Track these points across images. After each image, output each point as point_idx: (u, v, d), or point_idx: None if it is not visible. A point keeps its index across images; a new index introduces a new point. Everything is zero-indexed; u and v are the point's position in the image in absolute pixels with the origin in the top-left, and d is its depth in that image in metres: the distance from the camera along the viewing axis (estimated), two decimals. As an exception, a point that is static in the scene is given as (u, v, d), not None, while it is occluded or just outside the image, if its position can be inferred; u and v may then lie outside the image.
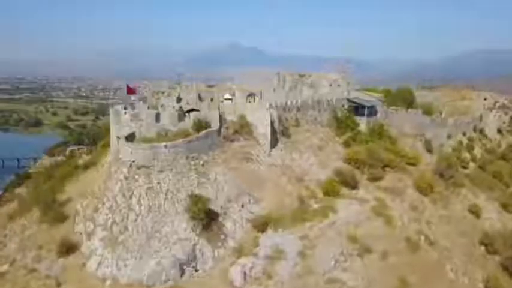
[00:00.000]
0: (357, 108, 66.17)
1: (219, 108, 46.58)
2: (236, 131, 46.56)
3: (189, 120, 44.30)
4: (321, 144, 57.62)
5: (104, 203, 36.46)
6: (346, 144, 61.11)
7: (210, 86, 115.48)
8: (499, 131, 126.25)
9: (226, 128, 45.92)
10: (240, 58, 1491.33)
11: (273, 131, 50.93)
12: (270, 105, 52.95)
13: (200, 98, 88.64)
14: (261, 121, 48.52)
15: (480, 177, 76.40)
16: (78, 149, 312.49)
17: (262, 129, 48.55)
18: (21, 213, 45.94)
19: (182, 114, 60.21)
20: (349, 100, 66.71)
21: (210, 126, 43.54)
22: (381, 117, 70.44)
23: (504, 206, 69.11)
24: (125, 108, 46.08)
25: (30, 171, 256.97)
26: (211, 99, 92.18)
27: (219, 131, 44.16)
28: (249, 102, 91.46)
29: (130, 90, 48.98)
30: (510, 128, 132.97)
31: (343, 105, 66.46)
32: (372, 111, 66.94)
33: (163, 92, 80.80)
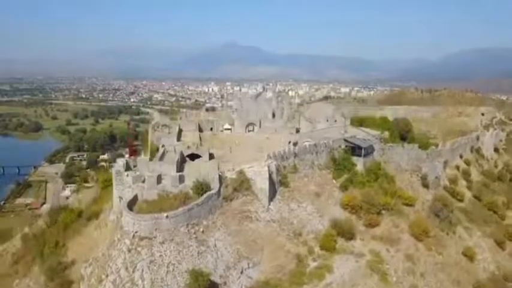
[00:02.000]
0: (354, 148, 67.31)
1: (218, 167, 47.59)
2: (235, 189, 47.75)
3: (189, 181, 45.35)
4: (319, 190, 58.88)
5: (107, 275, 37.76)
6: (344, 187, 62.40)
7: (210, 110, 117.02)
8: (496, 149, 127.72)
9: (226, 186, 47.08)
10: (238, 57, 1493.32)
11: (271, 182, 52.13)
12: (269, 156, 54.07)
13: (200, 129, 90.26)
14: (259, 176, 49.67)
15: (475, 211, 77.86)
16: (78, 155, 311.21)
17: (261, 184, 49.74)
18: (25, 272, 47.20)
19: (184, 157, 61.77)
20: (346, 140, 67.86)
21: (209, 188, 44.69)
22: (378, 154, 71.65)
23: (499, 243, 70.78)
24: (126, 170, 47.22)
25: (30, 179, 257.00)
26: (211, 129, 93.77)
27: (218, 192, 45.35)
28: (248, 131, 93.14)
29: (133, 153, 49.93)
30: (507, 146, 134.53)
31: (340, 146, 67.59)
32: (369, 151, 68.13)
33: (164, 125, 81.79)
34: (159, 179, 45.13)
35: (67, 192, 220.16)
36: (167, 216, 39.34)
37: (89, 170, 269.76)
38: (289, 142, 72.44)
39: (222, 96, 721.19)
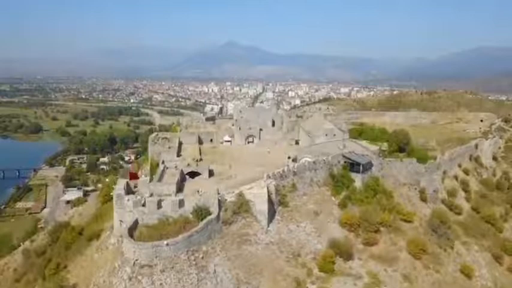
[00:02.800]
0: (353, 164, 67.80)
1: (218, 191, 48.03)
2: (235, 212, 48.26)
3: (189, 205, 45.83)
4: (318, 208, 59.40)
5: (108, 304, 38.32)
6: (342, 204, 62.92)
7: (209, 119, 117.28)
8: (495, 158, 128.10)
9: (225, 210, 47.57)
10: (238, 56, 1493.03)
11: (271, 203, 52.63)
12: (268, 176, 54.54)
13: (200, 141, 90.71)
14: (259, 198, 50.17)
15: (473, 224, 78.45)
16: (78, 158, 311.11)
17: (260, 206, 50.24)
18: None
19: (184, 175, 62.28)
20: (344, 156, 68.35)
21: (209, 212, 45.19)
22: (376, 169, 72.13)
23: (496, 258, 71.39)
24: (127, 192, 47.71)
25: (31, 183, 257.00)
26: (211, 140, 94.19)
27: (218, 216, 45.86)
28: (248, 143, 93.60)
29: (133, 176, 50.42)
30: (505, 153, 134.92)
31: (339, 161, 68.09)
32: (367, 167, 68.63)
33: (164, 138, 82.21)
34: (159, 203, 45.61)
35: (67, 196, 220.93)
36: (167, 244, 39.87)
37: (89, 173, 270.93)
38: (289, 157, 72.87)
39: (222, 97, 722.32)
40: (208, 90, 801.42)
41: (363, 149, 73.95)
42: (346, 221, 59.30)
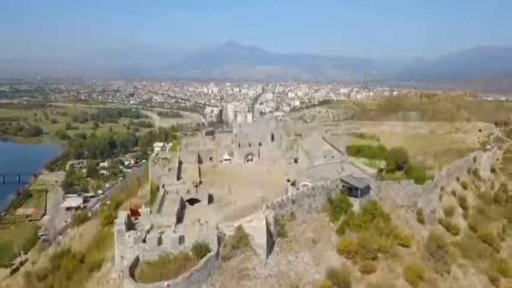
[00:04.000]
0: (351, 189, 68.53)
1: (217, 227, 48.71)
2: (234, 246, 48.92)
3: (189, 242, 46.53)
4: (316, 236, 60.18)
5: None
6: (341, 230, 63.69)
7: (209, 133, 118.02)
8: (493, 170, 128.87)
9: (225, 246, 48.24)
10: (238, 56, 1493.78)
11: (269, 235, 53.31)
12: (267, 206, 55.23)
13: (200, 159, 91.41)
14: (258, 232, 50.84)
15: (470, 245, 79.22)
16: (78, 163, 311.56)
17: (259, 240, 50.90)
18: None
19: (184, 203, 63.06)
20: (342, 180, 69.07)
21: (209, 249, 45.87)
22: (374, 192, 72.86)
23: (492, 280, 72.23)
24: (128, 226, 48.40)
25: (31, 188, 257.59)
26: (210, 158, 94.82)
27: (217, 253, 46.54)
28: (248, 161, 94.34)
29: (134, 213, 51.10)
30: (503, 165, 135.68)
31: (337, 185, 68.81)
32: (365, 191, 69.36)
33: (164, 158, 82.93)
34: (159, 240, 46.32)
35: (67, 203, 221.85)
36: (168, 286, 40.54)
37: (89, 178, 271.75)
38: (288, 180, 73.57)
39: (221, 98, 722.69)
40: (208, 91, 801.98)
41: (360, 172, 74.63)
42: (344, 248, 60.08)
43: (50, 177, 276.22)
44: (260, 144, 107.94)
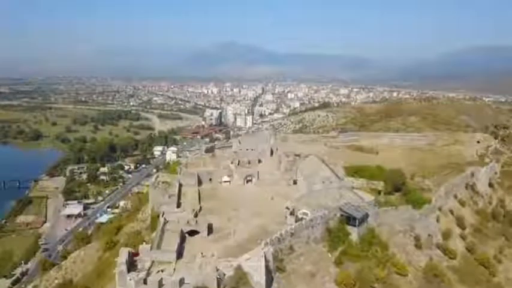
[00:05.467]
0: (349, 217, 69.34)
1: (216, 269, 49.49)
2: (233, 287, 49.70)
3: (190, 284, 47.36)
4: (314, 269, 61.02)
5: None
6: (339, 261, 64.54)
7: (209, 150, 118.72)
8: (491, 184, 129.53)
9: (224, 287, 49.04)
10: (238, 56, 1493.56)
11: (268, 272, 54.08)
12: (266, 243, 56.01)
13: (199, 180, 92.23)
14: (256, 270, 51.59)
15: (467, 269, 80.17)
16: (78, 168, 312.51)
17: (258, 279, 51.66)
18: None
19: (184, 235, 63.84)
20: (341, 209, 69.88)
21: (208, 291, 46.70)
22: (372, 219, 73.68)
23: (488, 307, 73.11)
24: (129, 266, 49.24)
25: (31, 195, 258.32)
26: (210, 180, 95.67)
27: (217, 295, 47.39)
28: (247, 181, 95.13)
29: (135, 255, 52.03)
30: (501, 179, 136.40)
31: (335, 214, 69.62)
32: (363, 219, 70.20)
33: (165, 182, 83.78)
34: (160, 283, 47.13)
35: (67, 210, 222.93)
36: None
37: (89, 184, 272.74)
38: (287, 208, 74.23)
39: (221, 99, 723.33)
40: (207, 91, 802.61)
41: (358, 199, 75.44)
42: (342, 280, 60.91)
43: (50, 183, 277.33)
44: (259, 161, 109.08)
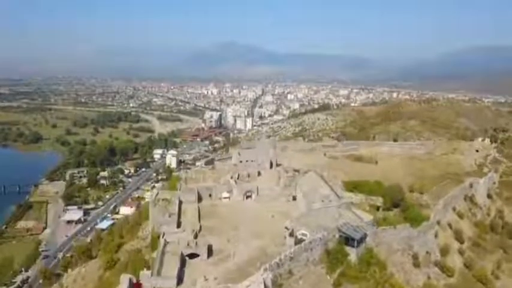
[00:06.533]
0: (348, 238, 69.90)
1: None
2: (232, 315, 50.39)
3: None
4: (313, 292, 61.60)
5: None
6: (337, 283, 65.13)
7: (209, 163, 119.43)
8: (489, 195, 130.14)
9: (224, 315, 49.73)
10: (238, 56, 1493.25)
11: (267, 298, 54.70)
12: (265, 268, 56.59)
13: (200, 198, 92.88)
14: (256, 298, 52.23)
15: (464, 287, 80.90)
16: (78, 172, 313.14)
17: (257, 306, 52.30)
18: None
19: (184, 258, 64.48)
20: (339, 230, 70.44)
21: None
22: (370, 238, 74.25)
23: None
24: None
25: (31, 199, 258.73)
26: (210, 195, 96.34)
27: (217, 324, 48.03)
28: (247, 197, 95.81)
29: (136, 285, 52.64)
30: (500, 189, 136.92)
31: (334, 235, 70.18)
32: (362, 240, 70.77)
33: (165, 199, 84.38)
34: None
35: (68, 216, 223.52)
36: None
37: (89, 188, 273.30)
38: (286, 228, 74.85)
39: (221, 100, 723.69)
40: (207, 92, 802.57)
41: (356, 218, 76.04)
42: (340, 304, 61.59)
43: (50, 188, 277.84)
44: (259, 173, 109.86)
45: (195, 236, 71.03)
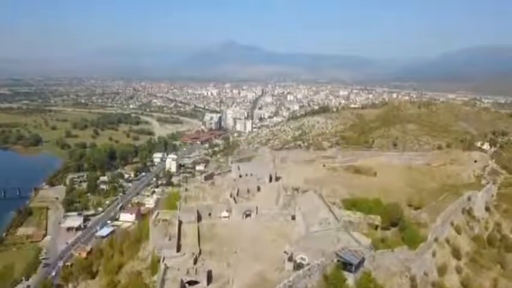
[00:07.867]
0: (346, 263, 70.61)
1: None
2: None
3: None
4: (311, 320, 62.33)
5: None
6: (335, 310, 65.97)
7: (208, 177, 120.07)
8: (487, 208, 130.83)
9: None
10: (238, 56, 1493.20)
11: (266, 329, 55.54)
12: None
13: (199, 217, 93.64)
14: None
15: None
16: (78, 176, 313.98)
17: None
18: None
19: (184, 285, 65.30)
20: (337, 255, 71.14)
21: None
22: (368, 261, 74.97)
23: None
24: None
25: (31, 205, 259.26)
26: (209, 214, 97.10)
27: None
28: (246, 217, 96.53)
29: None
30: (498, 201, 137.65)
31: (332, 260, 70.89)
32: (360, 265, 71.48)
33: (165, 220, 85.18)
34: None
35: (68, 222, 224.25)
36: None
37: (89, 194, 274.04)
38: (285, 252, 75.56)
39: (221, 101, 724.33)
40: (207, 93, 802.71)
41: (354, 242, 76.72)
42: (337, 333, 62.32)
43: (50, 193, 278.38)
44: (259, 188, 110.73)
45: (195, 261, 71.81)
